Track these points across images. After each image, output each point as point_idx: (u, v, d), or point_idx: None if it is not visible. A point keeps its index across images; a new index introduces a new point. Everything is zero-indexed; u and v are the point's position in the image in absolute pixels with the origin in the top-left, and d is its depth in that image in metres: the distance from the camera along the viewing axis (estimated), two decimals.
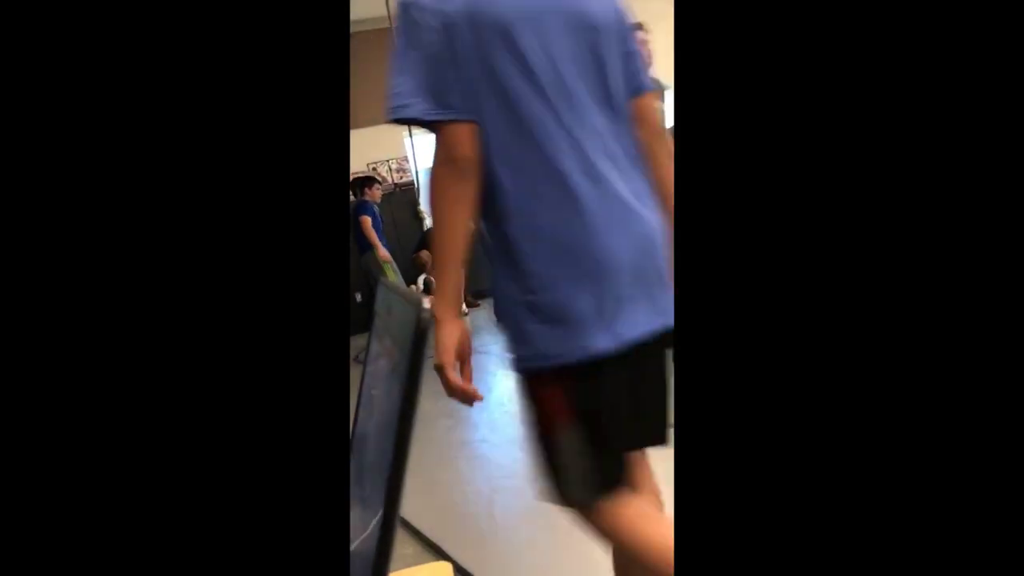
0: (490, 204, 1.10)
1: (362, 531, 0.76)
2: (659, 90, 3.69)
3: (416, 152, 7.12)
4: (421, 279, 6.98)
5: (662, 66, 3.56)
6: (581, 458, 1.09)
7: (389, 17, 6.33)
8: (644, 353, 1.10)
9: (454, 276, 1.09)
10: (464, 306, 7.08)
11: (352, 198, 6.24)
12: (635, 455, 1.18)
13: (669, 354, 1.15)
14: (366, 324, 1.09)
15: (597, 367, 1.06)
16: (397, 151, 7.52)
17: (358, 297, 7.19)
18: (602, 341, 1.05)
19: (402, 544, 2.12)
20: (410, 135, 7.04)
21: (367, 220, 6.09)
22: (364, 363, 1.02)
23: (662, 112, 5.13)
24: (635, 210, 1.10)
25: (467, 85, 1.04)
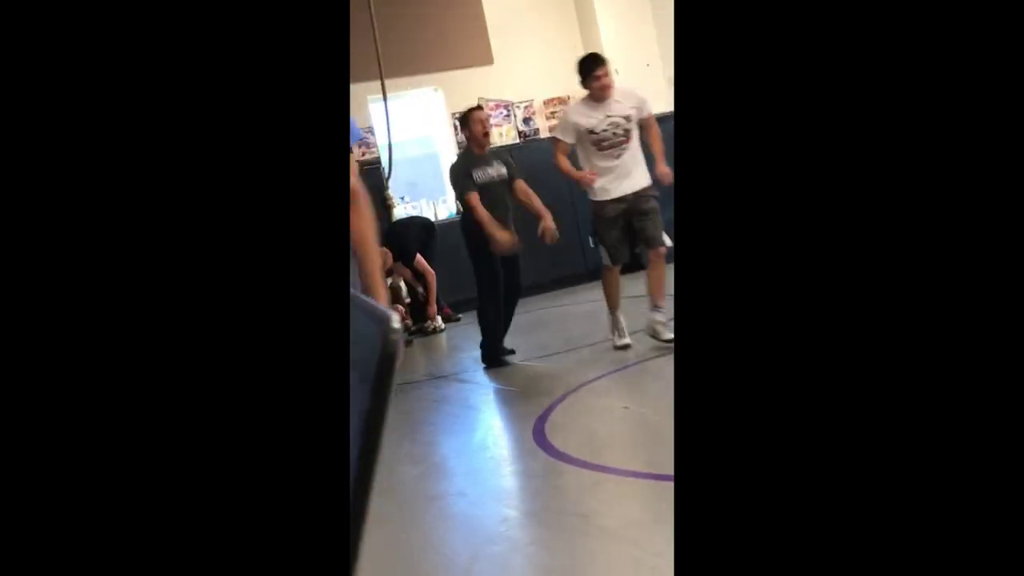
0: None
1: None
2: None
3: (391, 122, 7.06)
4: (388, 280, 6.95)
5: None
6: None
7: None
8: None
9: None
10: (439, 320, 7.04)
11: None
12: None
13: None
14: None
15: None
16: (360, 120, 7.51)
17: None
18: None
19: None
20: (384, 98, 6.99)
21: None
22: None
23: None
24: None
25: None
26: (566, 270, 7.87)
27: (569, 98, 8.33)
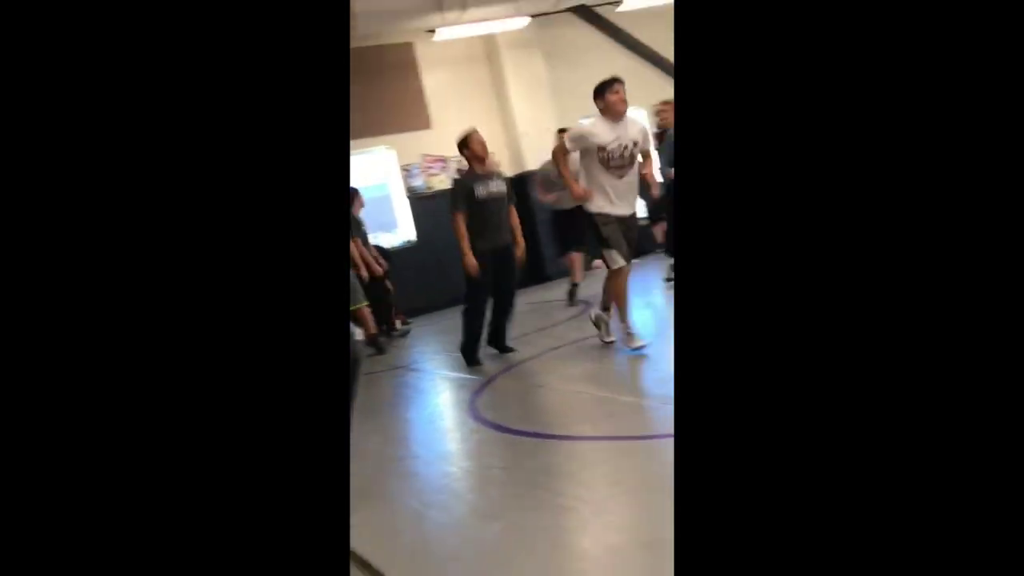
0: None
1: None
2: None
3: (352, 172, 7.05)
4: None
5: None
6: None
7: None
8: None
9: None
10: (398, 323, 6.99)
11: None
12: None
13: None
14: None
15: None
16: None
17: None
18: None
19: None
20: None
21: (356, 240, 5.54)
22: None
23: None
24: None
25: None
26: None
27: (493, 153, 8.40)
